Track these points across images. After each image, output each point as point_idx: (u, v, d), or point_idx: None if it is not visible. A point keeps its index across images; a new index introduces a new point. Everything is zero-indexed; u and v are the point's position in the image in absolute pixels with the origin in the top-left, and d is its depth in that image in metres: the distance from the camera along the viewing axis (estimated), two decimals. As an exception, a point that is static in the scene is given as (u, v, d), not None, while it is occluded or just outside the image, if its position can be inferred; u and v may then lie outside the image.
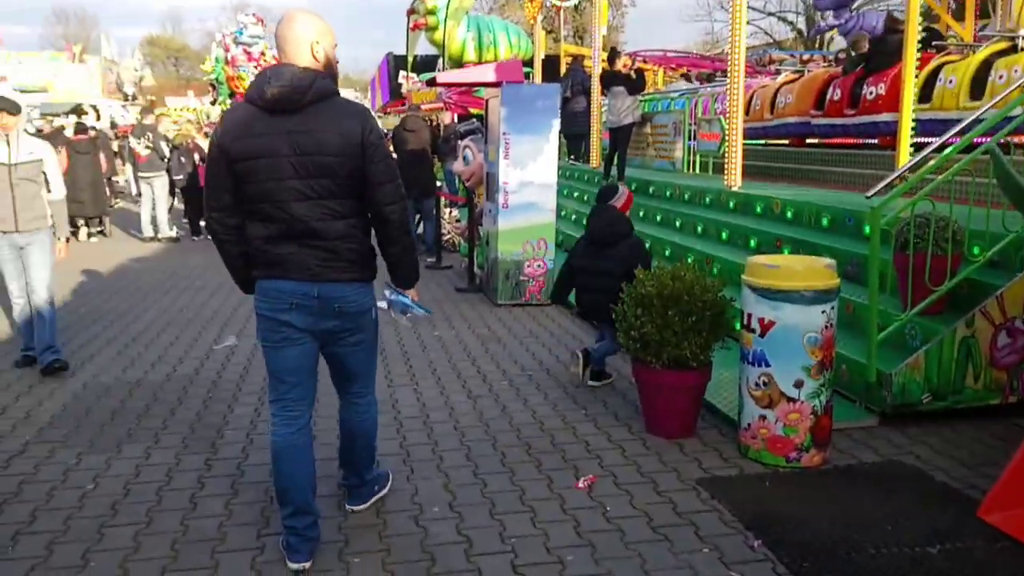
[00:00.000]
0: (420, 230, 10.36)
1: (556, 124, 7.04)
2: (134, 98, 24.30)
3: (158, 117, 12.46)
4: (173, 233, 11.89)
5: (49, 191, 5.25)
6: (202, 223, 12.10)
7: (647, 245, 7.90)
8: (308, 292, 2.71)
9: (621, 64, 10.12)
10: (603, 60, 10.60)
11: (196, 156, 11.80)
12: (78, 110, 22.74)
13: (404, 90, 24.55)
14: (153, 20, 73.53)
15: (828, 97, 9.12)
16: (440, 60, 23.05)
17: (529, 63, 18.10)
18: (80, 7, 68.16)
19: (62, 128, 14.90)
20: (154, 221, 11.79)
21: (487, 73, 6.86)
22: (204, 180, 2.87)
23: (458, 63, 18.45)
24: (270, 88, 2.60)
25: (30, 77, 24.39)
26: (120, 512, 3.26)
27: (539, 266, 7.19)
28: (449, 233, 10.92)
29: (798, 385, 3.68)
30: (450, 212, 11.37)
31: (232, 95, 24.41)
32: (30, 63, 25.70)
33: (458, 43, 18.24)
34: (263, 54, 25.38)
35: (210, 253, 11.08)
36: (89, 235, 12.14)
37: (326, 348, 2.89)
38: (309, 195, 2.64)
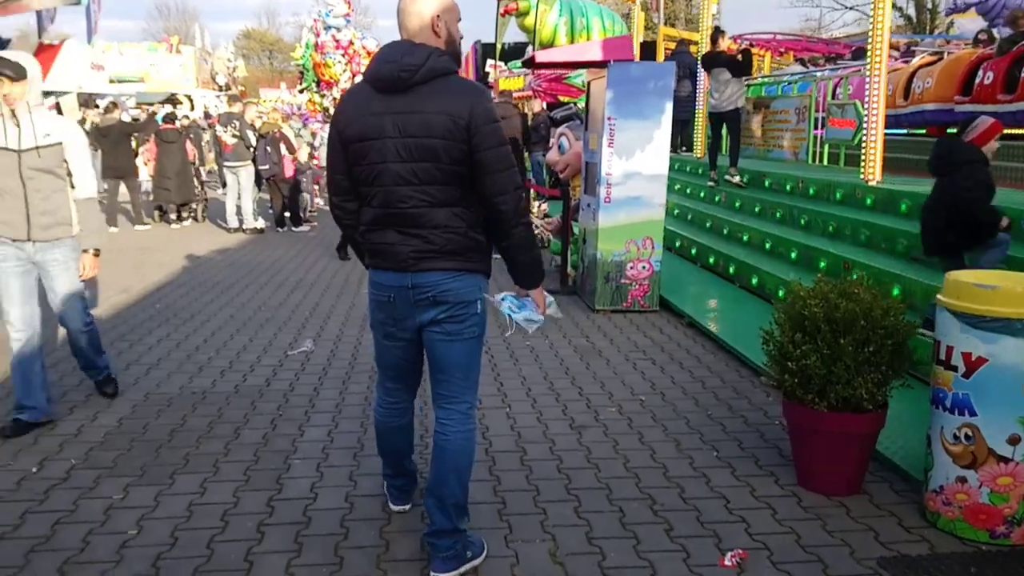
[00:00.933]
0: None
1: (669, 108, 6.22)
2: (227, 88, 24.58)
3: (245, 106, 12.17)
4: (258, 224, 11.60)
5: (74, 186, 3.95)
6: (286, 214, 11.80)
7: (767, 246, 7.07)
8: (403, 283, 2.57)
9: (725, 45, 9.20)
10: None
11: (282, 146, 11.47)
12: (173, 99, 23.09)
13: (491, 79, 24.02)
14: (250, 14, 75.35)
15: (977, 81, 7.97)
16: (530, 46, 22.37)
17: (623, 49, 17.22)
18: (181, 1, 70.46)
19: (154, 114, 14.96)
20: (239, 211, 11.53)
21: (593, 50, 6.11)
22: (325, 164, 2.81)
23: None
24: (380, 67, 2.50)
25: (129, 67, 24.93)
26: (163, 570, 2.70)
27: (644, 268, 6.40)
28: (538, 228, 10.23)
29: (1013, 442, 2.82)
30: (539, 206, 10.67)
31: (318, 83, 24.22)
32: (130, 53, 26.27)
33: (550, 28, 17.47)
34: (351, 43, 25.09)
35: (293, 245, 10.81)
36: (180, 218, 12.37)
37: (424, 337, 2.67)
38: (410, 180, 2.49)
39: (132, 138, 12.28)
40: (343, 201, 2.69)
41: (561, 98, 17.18)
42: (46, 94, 17.86)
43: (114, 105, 13.03)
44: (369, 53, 26.70)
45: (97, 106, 21.16)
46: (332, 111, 22.59)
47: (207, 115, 20.68)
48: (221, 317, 6.34)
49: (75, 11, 16.91)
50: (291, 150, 11.72)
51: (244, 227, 11.46)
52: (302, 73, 24.53)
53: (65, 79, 18.49)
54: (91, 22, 20.04)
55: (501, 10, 18.34)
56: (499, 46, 19.77)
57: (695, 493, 3.27)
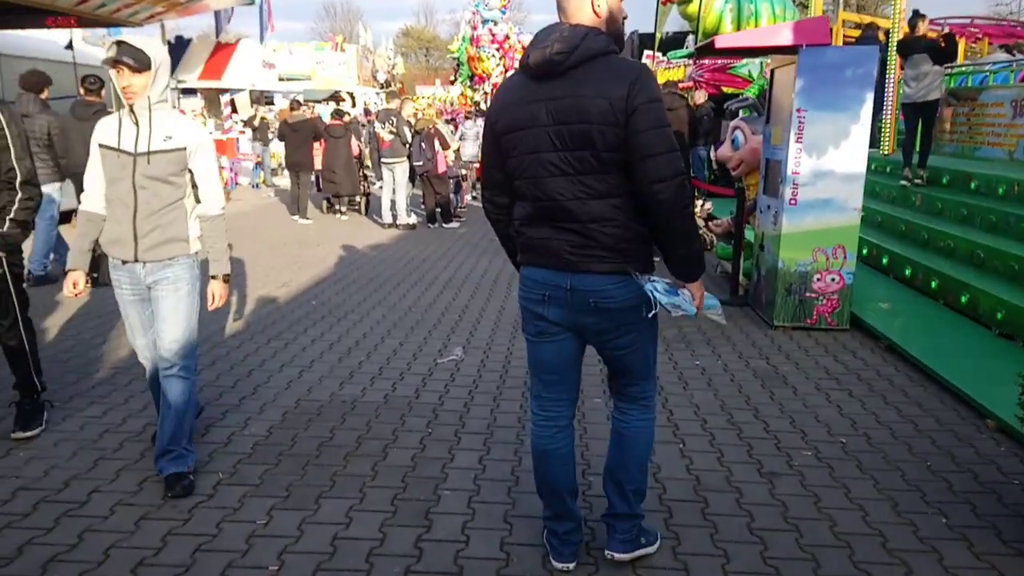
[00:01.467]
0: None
1: (869, 99, 5.42)
2: (387, 85, 25.24)
3: (402, 102, 12.21)
4: (411, 220, 11.62)
5: (199, 201, 3.28)
6: (438, 210, 11.74)
7: (977, 258, 6.08)
8: (560, 283, 2.41)
9: (924, 29, 8.16)
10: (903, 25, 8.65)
11: (436, 142, 11.42)
12: (336, 96, 23.97)
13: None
14: (410, 12, 78.14)
15: None
16: (691, 35, 21.41)
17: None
18: (346, 1, 73.77)
19: (317, 117, 15.51)
20: (393, 207, 11.58)
21: (783, 34, 5.43)
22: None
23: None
24: (533, 51, 2.35)
25: (297, 66, 26.14)
26: (301, 618, 2.43)
27: (833, 280, 5.64)
28: (701, 229, 9.54)
29: None
30: (702, 204, 9.96)
31: (471, 77, 24.25)
32: (299, 52, 27.56)
33: (715, 15, 16.52)
34: (507, 38, 24.85)
35: (444, 242, 10.72)
36: (342, 212, 12.72)
37: (591, 344, 2.55)
38: (566, 170, 2.33)
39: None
40: (494, 196, 2.59)
41: (724, 89, 16.24)
42: (222, 91, 18.89)
43: (298, 103, 13.58)
44: (524, 49, 25.87)
45: (270, 102, 22.33)
46: (483, 106, 22.28)
47: (366, 111, 21.29)
48: (373, 317, 6.20)
49: (249, 12, 17.80)
50: (445, 146, 11.65)
51: (398, 223, 11.50)
52: (458, 66, 24.74)
53: (240, 77, 19.67)
54: (264, 22, 21.14)
55: (662, -2, 17.60)
56: (658, 36, 18.96)
57: (926, 574, 2.64)
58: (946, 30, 9.68)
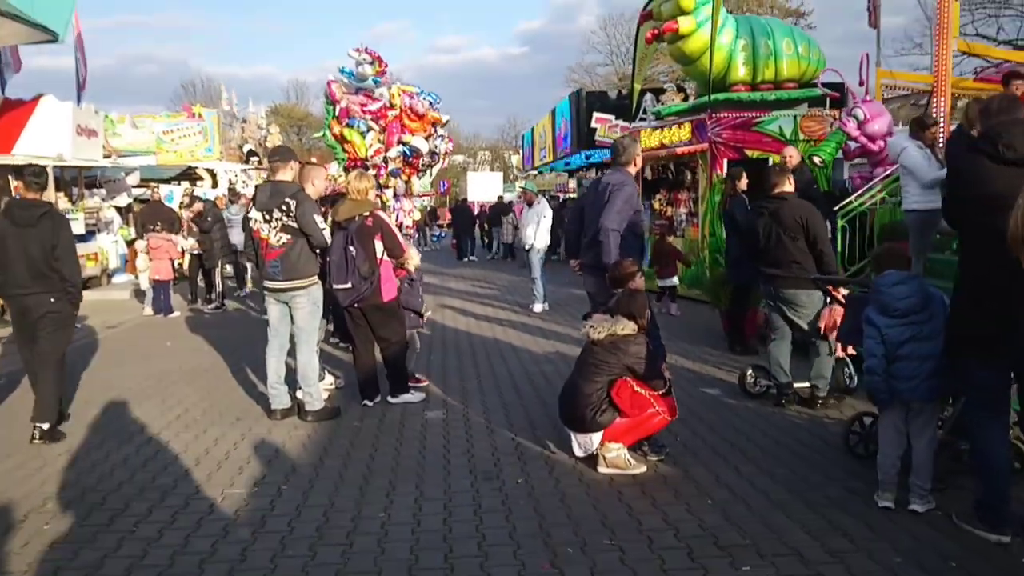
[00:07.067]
0: None
1: None
2: (250, 156, 19.18)
3: (303, 169, 6.35)
4: (326, 391, 5.88)
5: None
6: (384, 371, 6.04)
7: None
8: None
9: None
10: None
11: (377, 243, 5.88)
12: (190, 174, 17.89)
13: (600, 135, 18.59)
14: (278, 92, 72.21)
15: None
16: (651, 93, 16.97)
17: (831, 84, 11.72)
18: (207, 77, 67.12)
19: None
20: (288, 375, 5.83)
21: None
22: None
23: (720, 87, 12.20)
24: None
25: (141, 139, 19.82)
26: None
27: None
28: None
29: None
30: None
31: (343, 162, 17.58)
32: (145, 125, 21.32)
33: (723, 54, 12.01)
34: (390, 107, 18.15)
35: (410, 463, 4.56)
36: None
37: None
38: None
39: None
40: None
41: (749, 152, 11.66)
42: (13, 168, 12.48)
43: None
44: (421, 117, 18.75)
45: (94, 185, 15.95)
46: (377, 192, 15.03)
47: (232, 192, 15.24)
48: None
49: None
50: (394, 252, 6.06)
51: (307, 409, 5.68)
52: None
53: (42, 147, 13.33)
54: (80, 75, 14.95)
55: (646, 34, 12.90)
56: (636, 88, 14.18)
57: None
58: None
